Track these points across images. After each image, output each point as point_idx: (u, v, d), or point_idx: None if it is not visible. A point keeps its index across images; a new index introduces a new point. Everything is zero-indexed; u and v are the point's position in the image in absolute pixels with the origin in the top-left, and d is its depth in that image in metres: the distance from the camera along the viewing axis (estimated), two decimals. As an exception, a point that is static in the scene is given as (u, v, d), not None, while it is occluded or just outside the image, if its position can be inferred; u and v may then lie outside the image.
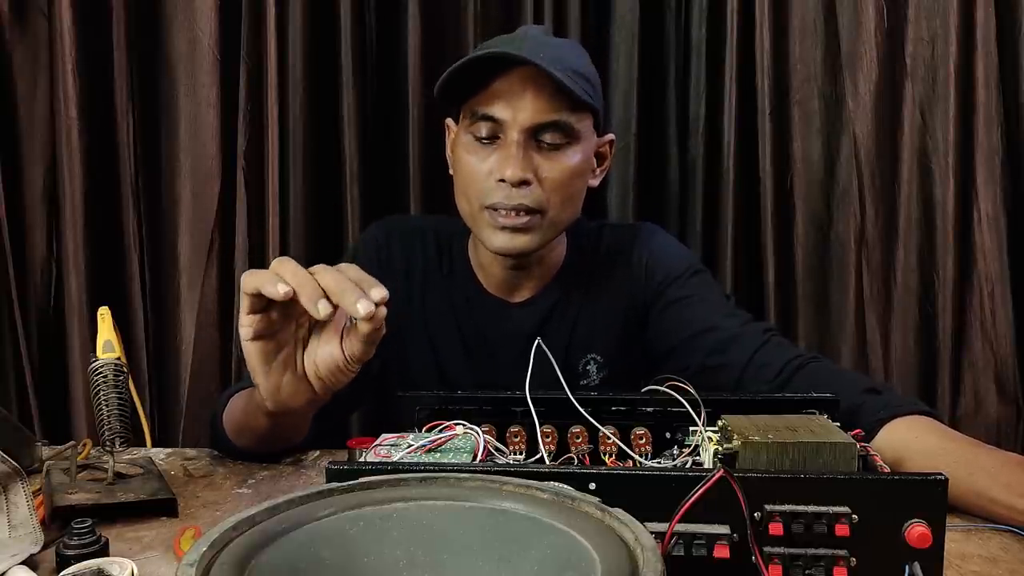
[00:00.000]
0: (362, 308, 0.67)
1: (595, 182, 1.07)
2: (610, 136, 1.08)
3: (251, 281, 0.70)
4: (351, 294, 0.68)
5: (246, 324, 0.73)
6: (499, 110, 0.96)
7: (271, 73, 1.46)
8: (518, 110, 0.95)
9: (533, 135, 0.97)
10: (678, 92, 1.54)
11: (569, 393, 0.72)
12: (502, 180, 0.96)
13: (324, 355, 0.74)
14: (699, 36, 1.53)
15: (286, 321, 0.74)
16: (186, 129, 1.51)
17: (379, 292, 0.69)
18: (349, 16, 1.46)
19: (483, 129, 0.98)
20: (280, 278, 0.69)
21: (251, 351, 0.74)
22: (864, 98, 1.48)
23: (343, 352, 0.73)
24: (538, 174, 0.97)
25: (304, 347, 0.75)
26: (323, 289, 0.68)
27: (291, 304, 0.70)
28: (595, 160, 1.06)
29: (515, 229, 0.98)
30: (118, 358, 0.79)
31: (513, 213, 0.97)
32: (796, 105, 1.50)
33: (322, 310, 0.67)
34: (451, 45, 1.52)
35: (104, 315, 0.81)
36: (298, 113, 1.48)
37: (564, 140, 0.98)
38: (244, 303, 0.72)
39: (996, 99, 1.43)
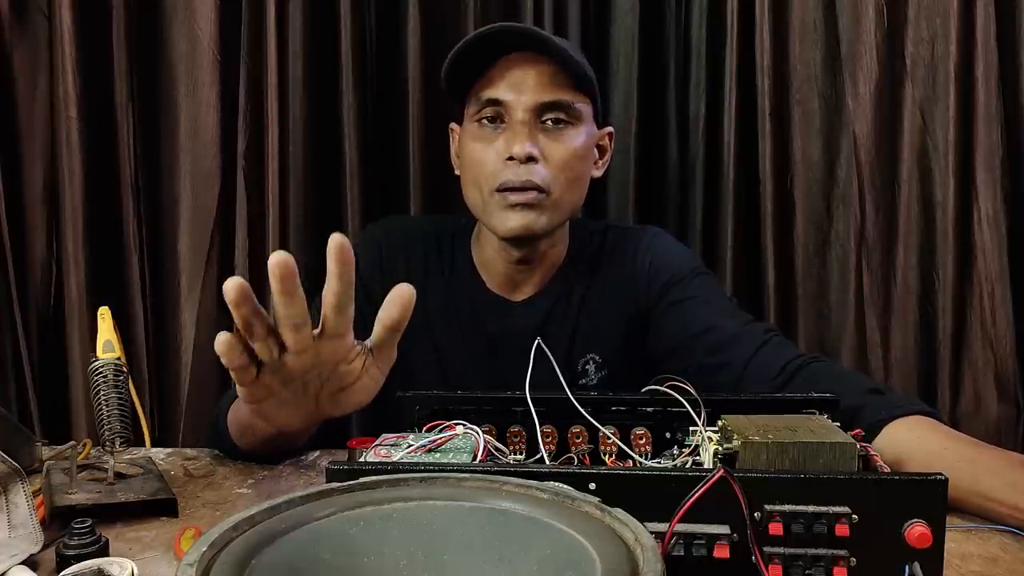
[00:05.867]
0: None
1: (598, 173, 1.10)
2: (609, 128, 1.11)
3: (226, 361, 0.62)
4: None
5: (244, 394, 0.66)
6: (503, 92, 0.99)
7: (271, 73, 1.46)
8: (522, 91, 0.98)
9: (537, 115, 1.00)
10: (678, 92, 1.54)
11: (569, 393, 0.72)
12: (510, 159, 0.98)
13: (353, 402, 0.72)
14: (699, 36, 1.53)
15: (287, 383, 0.67)
16: (186, 129, 1.51)
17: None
18: (349, 16, 1.46)
19: (488, 112, 1.01)
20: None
21: (256, 411, 0.69)
22: (864, 98, 1.48)
23: (372, 383, 0.71)
24: (544, 153, 0.99)
25: (318, 391, 0.70)
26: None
27: (282, 367, 0.64)
28: (596, 152, 1.09)
29: (525, 205, 0.99)
30: (118, 358, 0.79)
31: (522, 190, 0.98)
32: (796, 105, 1.50)
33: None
34: (451, 45, 1.51)
35: (104, 315, 0.81)
36: (298, 113, 1.48)
37: (567, 120, 1.01)
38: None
39: (996, 99, 1.43)
